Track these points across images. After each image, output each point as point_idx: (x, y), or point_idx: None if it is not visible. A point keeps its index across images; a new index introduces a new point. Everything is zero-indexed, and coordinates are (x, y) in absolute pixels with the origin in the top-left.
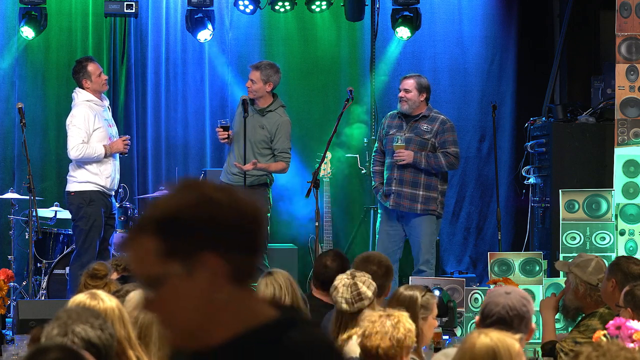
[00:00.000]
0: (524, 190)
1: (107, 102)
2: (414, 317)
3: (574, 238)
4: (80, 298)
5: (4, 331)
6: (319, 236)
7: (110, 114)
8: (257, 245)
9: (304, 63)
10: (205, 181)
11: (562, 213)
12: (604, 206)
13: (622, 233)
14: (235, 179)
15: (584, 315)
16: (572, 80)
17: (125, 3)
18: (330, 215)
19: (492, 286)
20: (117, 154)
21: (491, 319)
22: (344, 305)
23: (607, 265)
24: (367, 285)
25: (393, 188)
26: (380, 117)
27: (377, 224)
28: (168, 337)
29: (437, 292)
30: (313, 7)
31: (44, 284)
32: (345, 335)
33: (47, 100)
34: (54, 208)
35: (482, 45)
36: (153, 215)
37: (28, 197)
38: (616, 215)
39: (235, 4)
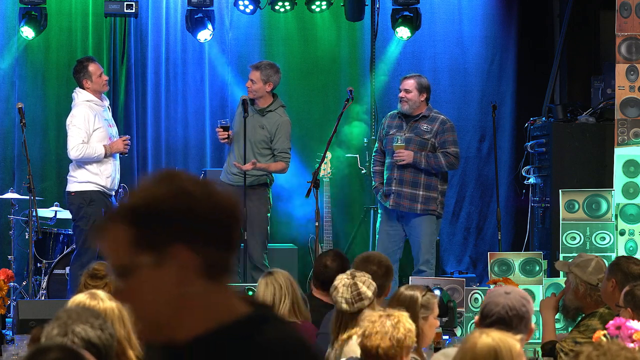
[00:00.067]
0: (524, 190)
1: (107, 102)
2: (414, 317)
3: (574, 238)
4: (80, 298)
5: (4, 331)
6: (319, 236)
7: (110, 114)
8: (231, 240)
9: (304, 63)
10: (183, 173)
11: (562, 213)
12: (604, 206)
13: (622, 233)
14: (235, 179)
15: (584, 315)
16: (572, 80)
17: (125, 3)
18: (330, 215)
19: (492, 286)
20: (117, 154)
21: (491, 319)
22: (344, 305)
23: (607, 265)
24: (367, 285)
25: (393, 188)
26: (380, 117)
27: (377, 224)
28: (137, 328)
29: (437, 292)
30: (313, 7)
31: (44, 284)
32: (345, 335)
33: (47, 100)
34: (54, 208)
35: (482, 45)
36: (127, 205)
37: (28, 197)
38: (616, 215)
39: (235, 4)
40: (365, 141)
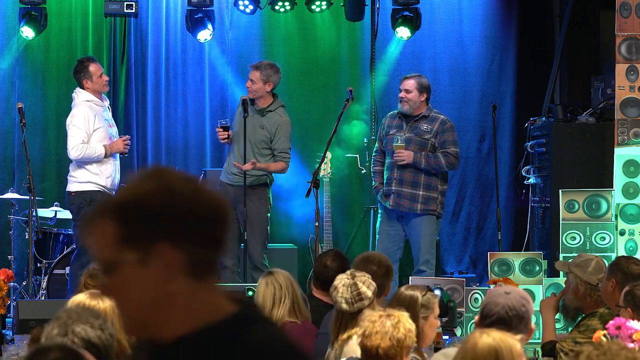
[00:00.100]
0: (524, 190)
1: (107, 102)
2: (415, 317)
3: (574, 238)
4: (80, 298)
5: (4, 331)
6: (319, 236)
7: (110, 114)
8: (219, 239)
9: (304, 63)
10: (172, 170)
11: (562, 213)
12: (604, 206)
13: (622, 233)
14: (235, 179)
15: (584, 315)
16: (572, 80)
17: (125, 3)
18: (330, 215)
19: (492, 286)
20: (118, 154)
21: (491, 319)
22: (344, 305)
23: (607, 265)
24: (367, 285)
25: (393, 188)
26: (380, 117)
27: (377, 224)
28: (123, 324)
29: (437, 292)
30: (313, 7)
31: (44, 284)
32: (345, 335)
33: (47, 100)
34: (54, 208)
35: (482, 45)
36: (114, 200)
37: (28, 197)
38: (616, 215)
39: (235, 4)
40: (365, 141)
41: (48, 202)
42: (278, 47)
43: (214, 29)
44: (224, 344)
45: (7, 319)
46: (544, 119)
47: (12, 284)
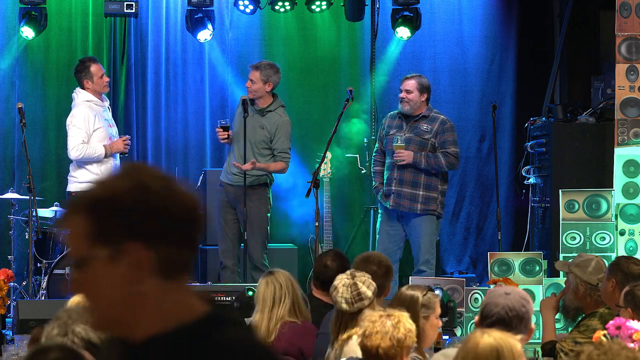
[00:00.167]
0: (524, 190)
1: (107, 103)
2: (415, 317)
3: (574, 238)
4: (81, 298)
5: (4, 331)
6: (319, 236)
7: (110, 114)
8: (191, 239)
9: (304, 63)
10: (149, 168)
11: (562, 213)
12: (604, 206)
13: (622, 233)
14: (235, 179)
15: (584, 315)
16: (572, 80)
17: (125, 3)
18: (330, 215)
19: (492, 286)
20: (118, 154)
21: (490, 320)
22: (344, 305)
23: (607, 265)
24: (367, 285)
25: (393, 188)
26: (380, 117)
27: (377, 224)
28: (92, 320)
29: (437, 292)
30: (313, 7)
31: (44, 284)
32: (345, 335)
33: (47, 100)
34: (54, 208)
35: (482, 45)
36: (88, 195)
37: (28, 197)
38: (616, 215)
39: (235, 4)
40: (365, 141)
41: (48, 202)
42: (278, 47)
43: (214, 29)
44: (196, 344)
45: (7, 319)
46: (544, 119)
47: (12, 284)
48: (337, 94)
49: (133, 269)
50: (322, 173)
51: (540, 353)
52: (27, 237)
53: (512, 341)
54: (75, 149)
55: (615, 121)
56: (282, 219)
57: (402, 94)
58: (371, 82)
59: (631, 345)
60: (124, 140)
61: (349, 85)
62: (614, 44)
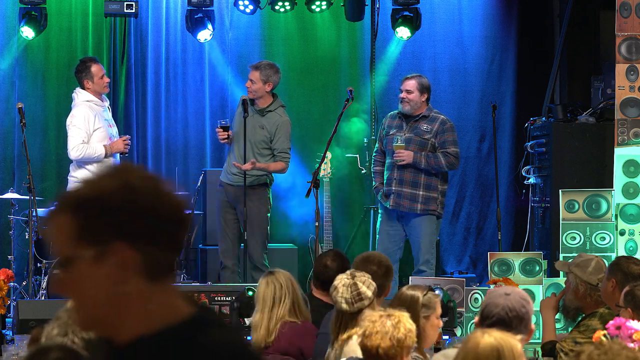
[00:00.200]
0: (524, 190)
1: (107, 103)
2: (416, 317)
3: (574, 238)
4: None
5: (4, 331)
6: (319, 236)
7: (110, 114)
8: (177, 241)
9: (304, 63)
10: (137, 169)
11: (562, 213)
12: (604, 206)
13: (622, 233)
14: (235, 179)
15: (584, 315)
16: (572, 80)
17: (125, 3)
18: (330, 215)
19: (492, 286)
20: (118, 154)
21: (491, 320)
22: (344, 305)
23: (607, 265)
24: (367, 285)
25: (393, 188)
26: (380, 117)
27: (378, 224)
28: (77, 320)
29: (437, 292)
30: (313, 7)
31: (44, 284)
32: (345, 335)
33: (47, 100)
34: None
35: (482, 45)
36: (74, 194)
37: (28, 197)
38: (616, 215)
39: (235, 4)
40: (365, 141)
41: (48, 202)
42: (278, 47)
43: (214, 29)
44: (181, 345)
45: (7, 319)
46: (544, 119)
47: (12, 284)
48: (337, 94)
49: (118, 269)
50: (322, 173)
51: (540, 353)
52: (27, 237)
53: (513, 341)
54: (75, 149)
55: (615, 121)
56: (282, 219)
57: (403, 94)
58: (371, 82)
59: (631, 345)
60: (124, 140)
61: (349, 85)
62: (614, 44)
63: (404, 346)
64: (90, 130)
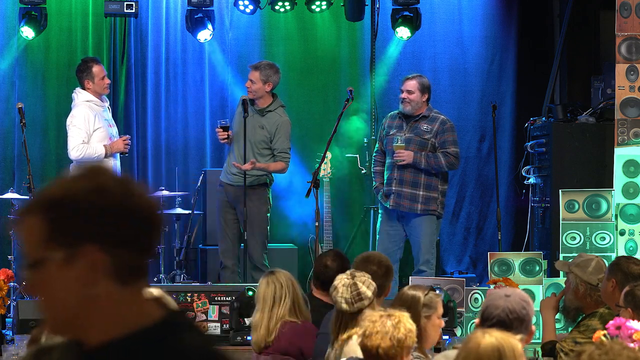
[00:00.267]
0: (524, 190)
1: (107, 103)
2: (417, 317)
3: (574, 238)
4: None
5: (4, 331)
6: (319, 236)
7: (110, 114)
8: (148, 244)
9: (304, 63)
10: (107, 170)
11: (562, 213)
12: (604, 206)
13: (622, 233)
14: (235, 179)
15: (584, 315)
16: (572, 80)
17: (125, 3)
18: (330, 215)
19: (492, 286)
20: (118, 154)
21: (491, 322)
22: (344, 305)
23: (607, 265)
24: (367, 285)
25: (393, 188)
26: (380, 117)
27: (378, 224)
28: (46, 323)
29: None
30: (313, 7)
31: None
32: (345, 335)
33: (47, 100)
34: None
35: (482, 45)
36: (44, 196)
37: (28, 197)
38: (616, 215)
39: (235, 4)
40: (365, 141)
41: None
42: (278, 47)
43: (214, 29)
44: (151, 349)
45: (7, 319)
46: (544, 119)
47: (12, 284)
48: (337, 94)
49: (88, 272)
50: (322, 173)
51: (540, 353)
52: None
53: (514, 341)
54: (75, 149)
55: (615, 121)
56: (282, 219)
57: (404, 95)
58: (371, 82)
59: (631, 345)
60: (124, 140)
61: (349, 85)
62: (614, 44)
63: (404, 346)
64: (90, 131)
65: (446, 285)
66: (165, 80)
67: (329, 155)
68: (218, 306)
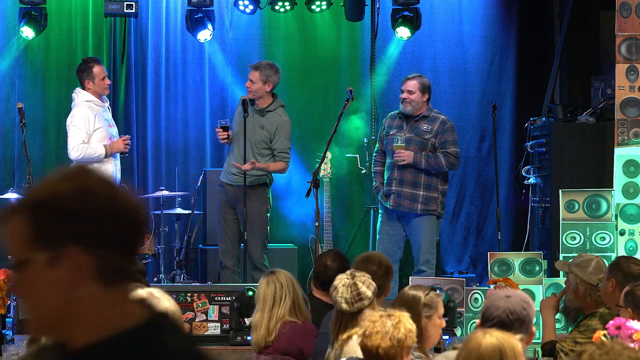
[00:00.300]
0: (524, 190)
1: (107, 103)
2: (417, 317)
3: (574, 238)
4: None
5: (4, 331)
6: (319, 236)
7: (110, 114)
8: (132, 245)
9: (304, 63)
10: (93, 172)
11: (562, 213)
12: (604, 206)
13: (622, 233)
14: (235, 179)
15: (584, 315)
16: (572, 80)
17: (125, 3)
18: (330, 215)
19: (492, 286)
20: (118, 154)
21: (491, 323)
22: (344, 305)
23: (607, 265)
24: (367, 285)
25: (393, 188)
26: (380, 117)
27: (378, 224)
28: (30, 324)
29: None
30: (313, 7)
31: None
32: (345, 335)
33: (47, 100)
34: None
35: (482, 45)
36: (29, 197)
37: None
38: (616, 215)
39: (235, 4)
40: (365, 141)
41: None
42: (278, 47)
43: (214, 29)
44: (134, 351)
45: (7, 319)
46: (544, 119)
47: (12, 284)
48: (337, 94)
49: (72, 274)
50: (322, 173)
51: (540, 353)
52: None
53: (514, 341)
54: (75, 149)
55: (615, 121)
56: (282, 219)
57: (404, 95)
58: (371, 82)
59: (631, 345)
60: (124, 140)
61: (349, 85)
62: (614, 44)
63: (404, 346)
64: (90, 131)
65: (446, 285)
66: (165, 80)
67: (329, 155)
68: (218, 306)
